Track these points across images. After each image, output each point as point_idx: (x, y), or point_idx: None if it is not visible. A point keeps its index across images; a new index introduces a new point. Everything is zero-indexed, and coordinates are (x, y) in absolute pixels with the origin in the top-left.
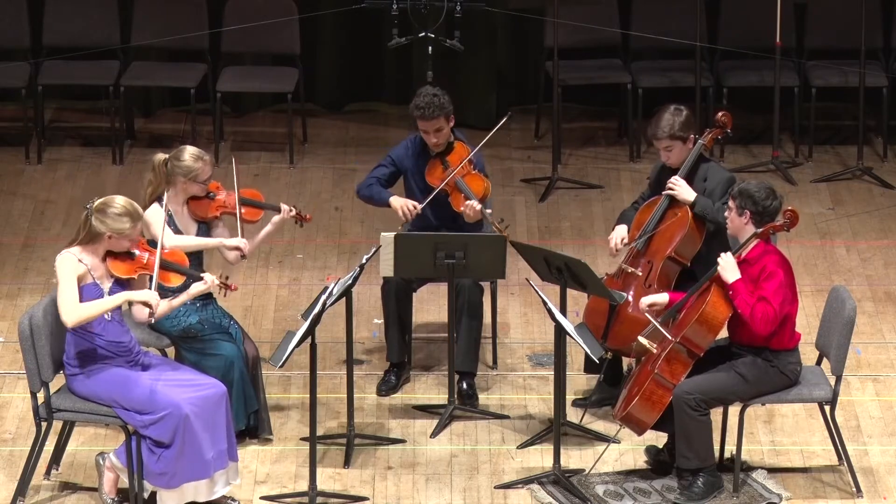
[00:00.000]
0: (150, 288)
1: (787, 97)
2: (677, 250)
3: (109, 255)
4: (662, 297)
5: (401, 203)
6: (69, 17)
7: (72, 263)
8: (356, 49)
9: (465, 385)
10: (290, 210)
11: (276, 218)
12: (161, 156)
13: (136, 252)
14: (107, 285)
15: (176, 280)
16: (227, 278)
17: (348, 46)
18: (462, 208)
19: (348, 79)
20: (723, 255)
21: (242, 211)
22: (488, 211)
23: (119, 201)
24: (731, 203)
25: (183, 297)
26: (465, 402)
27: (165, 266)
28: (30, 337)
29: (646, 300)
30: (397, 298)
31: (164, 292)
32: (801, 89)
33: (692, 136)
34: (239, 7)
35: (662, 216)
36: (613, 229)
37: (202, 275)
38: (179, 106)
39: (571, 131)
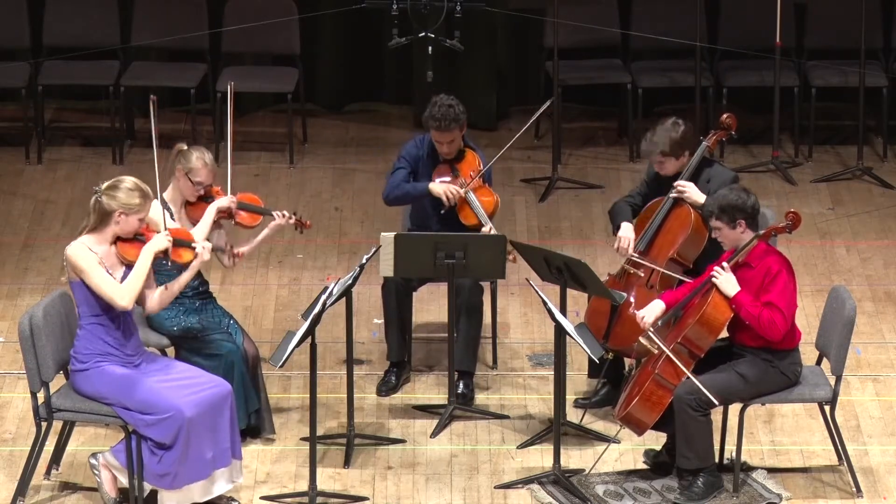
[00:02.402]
0: (165, 262)
1: (787, 97)
2: (680, 252)
3: (119, 240)
4: (658, 306)
5: (444, 188)
6: (69, 17)
7: (86, 250)
8: (356, 49)
9: (461, 385)
10: (288, 217)
11: (272, 223)
12: (181, 146)
13: (144, 236)
14: (118, 273)
15: (187, 256)
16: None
17: (348, 46)
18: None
19: (348, 79)
20: (716, 269)
21: (240, 215)
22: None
23: (129, 179)
24: (717, 223)
25: (188, 274)
26: (460, 403)
27: (177, 243)
28: (30, 337)
29: (638, 315)
30: (398, 298)
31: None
32: (801, 89)
33: (686, 153)
34: (239, 7)
35: (665, 218)
36: (618, 228)
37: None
38: (179, 106)
39: (571, 131)
